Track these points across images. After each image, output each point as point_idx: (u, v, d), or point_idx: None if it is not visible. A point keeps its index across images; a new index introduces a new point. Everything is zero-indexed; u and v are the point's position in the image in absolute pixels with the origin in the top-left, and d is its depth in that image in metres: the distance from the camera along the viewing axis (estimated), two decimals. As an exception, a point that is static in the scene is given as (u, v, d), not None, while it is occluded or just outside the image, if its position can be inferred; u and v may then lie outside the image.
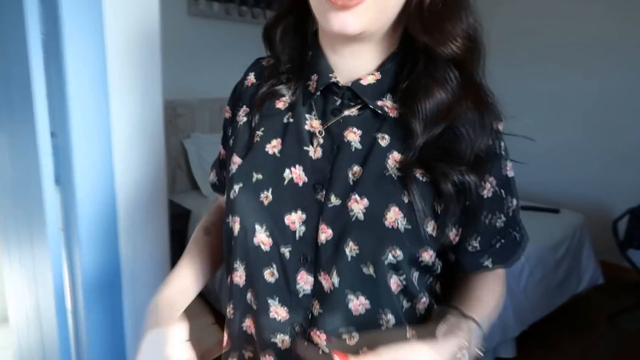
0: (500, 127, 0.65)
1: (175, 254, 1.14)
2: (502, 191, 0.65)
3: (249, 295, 0.70)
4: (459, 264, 0.69)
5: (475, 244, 0.66)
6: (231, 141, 0.74)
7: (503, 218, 0.66)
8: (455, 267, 0.70)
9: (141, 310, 0.93)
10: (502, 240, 0.68)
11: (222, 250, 0.75)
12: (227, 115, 0.78)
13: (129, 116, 1.15)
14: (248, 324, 0.71)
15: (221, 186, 0.84)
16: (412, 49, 0.63)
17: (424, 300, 0.67)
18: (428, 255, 0.62)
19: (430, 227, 0.61)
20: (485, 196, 0.63)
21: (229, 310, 0.76)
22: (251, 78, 0.75)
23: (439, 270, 0.68)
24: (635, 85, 3.13)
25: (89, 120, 1.09)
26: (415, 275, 0.64)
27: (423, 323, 0.67)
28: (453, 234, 0.64)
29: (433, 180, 0.61)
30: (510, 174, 0.66)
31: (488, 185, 0.63)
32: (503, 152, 0.65)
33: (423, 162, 0.61)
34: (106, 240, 1.18)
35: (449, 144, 0.61)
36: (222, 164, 0.82)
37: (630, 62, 3.13)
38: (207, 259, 0.82)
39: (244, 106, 0.74)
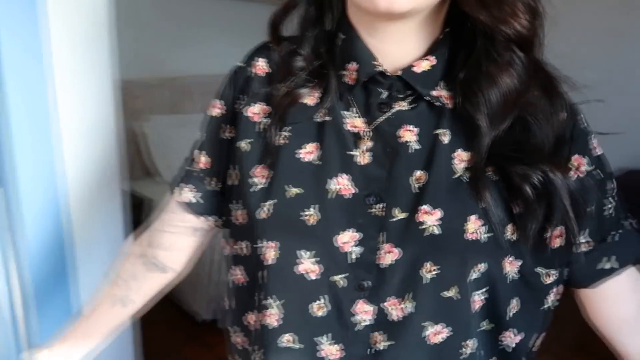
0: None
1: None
2: (599, 172, 0.56)
3: (285, 338, 0.58)
4: (570, 282, 0.58)
5: (583, 240, 0.56)
6: (244, 144, 0.60)
7: (612, 203, 0.56)
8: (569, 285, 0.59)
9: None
10: (620, 231, 0.57)
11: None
12: (217, 111, 0.65)
13: (75, 99, 1.02)
14: None
15: (208, 206, 0.68)
16: (464, 30, 0.54)
17: (507, 327, 0.57)
18: (510, 265, 0.54)
19: (509, 232, 0.52)
20: (579, 180, 0.54)
21: None
22: (262, 65, 0.62)
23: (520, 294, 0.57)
24: (612, 59, 3.02)
25: (29, 105, 0.95)
26: (499, 293, 0.55)
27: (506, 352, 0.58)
28: (554, 236, 0.53)
29: (506, 177, 0.52)
30: (599, 150, 0.57)
31: (583, 168, 0.54)
32: (586, 126, 0.56)
33: (494, 160, 0.52)
34: (54, 240, 1.06)
35: (521, 136, 0.52)
36: (203, 177, 0.67)
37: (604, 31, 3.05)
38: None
39: (261, 103, 0.60)
